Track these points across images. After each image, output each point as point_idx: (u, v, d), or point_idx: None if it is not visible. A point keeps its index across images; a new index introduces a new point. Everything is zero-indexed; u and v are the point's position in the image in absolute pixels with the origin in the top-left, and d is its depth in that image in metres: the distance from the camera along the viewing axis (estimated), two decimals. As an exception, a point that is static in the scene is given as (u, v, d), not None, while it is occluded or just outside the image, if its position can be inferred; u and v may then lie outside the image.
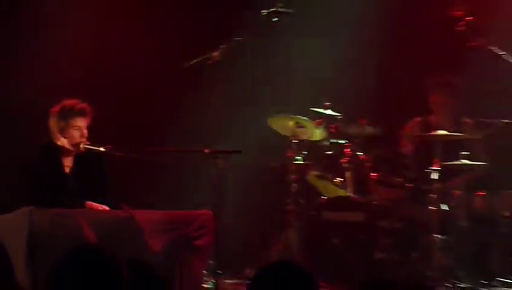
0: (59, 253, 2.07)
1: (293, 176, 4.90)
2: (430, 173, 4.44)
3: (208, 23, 5.47)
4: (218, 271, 4.27)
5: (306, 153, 5.06)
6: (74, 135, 4.33)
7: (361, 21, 5.15)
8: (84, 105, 4.33)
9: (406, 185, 4.69)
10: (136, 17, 5.55)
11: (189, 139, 5.04)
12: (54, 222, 4.09)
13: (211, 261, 4.29)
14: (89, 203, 4.32)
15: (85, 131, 4.32)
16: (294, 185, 4.93)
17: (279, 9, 4.36)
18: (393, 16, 5.15)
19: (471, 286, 4.47)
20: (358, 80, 5.26)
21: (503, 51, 4.39)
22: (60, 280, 1.91)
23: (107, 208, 4.31)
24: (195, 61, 4.43)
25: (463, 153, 4.43)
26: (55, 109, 4.30)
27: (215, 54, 4.34)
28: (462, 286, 4.46)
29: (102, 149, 4.35)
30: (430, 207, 4.47)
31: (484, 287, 4.51)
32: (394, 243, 4.64)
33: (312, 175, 4.96)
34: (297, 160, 4.95)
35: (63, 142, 4.34)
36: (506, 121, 4.54)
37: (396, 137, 5.01)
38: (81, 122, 4.31)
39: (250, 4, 4.87)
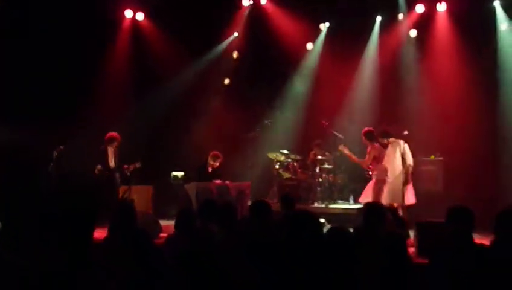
0: (205, 196, 7.93)
1: (274, 171, 11.44)
2: (317, 168, 11.65)
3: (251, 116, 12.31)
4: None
5: (279, 164, 11.41)
6: (214, 164, 10.48)
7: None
8: (219, 154, 10.46)
9: (308, 173, 11.55)
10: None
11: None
12: (201, 186, 9.47)
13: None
14: (215, 181, 9.95)
15: (215, 165, 10.56)
16: (275, 173, 11.45)
17: (269, 123, 12.07)
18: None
19: (327, 202, 10.96)
20: (291, 139, 12.44)
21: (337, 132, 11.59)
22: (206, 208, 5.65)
23: (219, 181, 9.97)
24: (250, 134, 11.65)
25: (326, 163, 11.74)
26: (210, 154, 10.45)
27: (253, 133, 11.80)
28: (325, 202, 11.09)
29: (218, 164, 10.84)
30: (315, 179, 11.45)
31: (333, 204, 11.03)
32: (305, 189, 11.31)
33: (280, 171, 11.34)
34: (276, 167, 11.45)
35: (209, 165, 10.30)
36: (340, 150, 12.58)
37: (306, 158, 11.68)
38: (218, 159, 10.43)
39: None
